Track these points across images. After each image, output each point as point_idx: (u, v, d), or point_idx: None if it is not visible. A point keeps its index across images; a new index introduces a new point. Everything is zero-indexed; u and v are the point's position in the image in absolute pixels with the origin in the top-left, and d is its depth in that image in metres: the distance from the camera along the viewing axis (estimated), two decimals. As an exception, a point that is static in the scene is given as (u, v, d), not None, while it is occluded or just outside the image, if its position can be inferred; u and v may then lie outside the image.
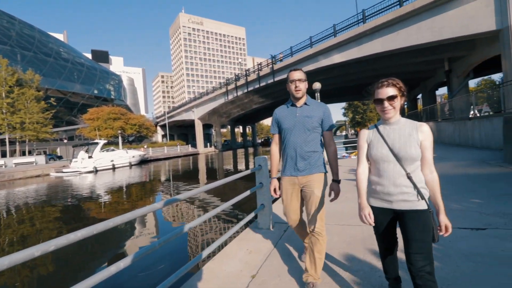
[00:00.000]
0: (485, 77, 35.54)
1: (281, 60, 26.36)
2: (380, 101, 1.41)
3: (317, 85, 10.97)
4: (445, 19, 13.07)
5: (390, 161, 1.40)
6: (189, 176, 18.57)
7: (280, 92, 32.26)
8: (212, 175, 17.98)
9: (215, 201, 9.28)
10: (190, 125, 56.61)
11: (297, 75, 1.96)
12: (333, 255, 2.43)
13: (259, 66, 30.15)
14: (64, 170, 22.37)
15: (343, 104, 65.55)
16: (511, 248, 2.28)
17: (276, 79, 27.67)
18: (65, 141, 35.65)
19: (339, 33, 19.00)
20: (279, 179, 2.13)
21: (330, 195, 1.96)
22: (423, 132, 1.37)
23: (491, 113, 11.91)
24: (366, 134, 1.55)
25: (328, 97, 32.83)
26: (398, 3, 15.01)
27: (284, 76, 23.70)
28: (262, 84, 30.28)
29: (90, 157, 23.47)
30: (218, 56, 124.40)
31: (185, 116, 52.28)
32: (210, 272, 2.32)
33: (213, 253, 2.73)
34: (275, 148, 2.14)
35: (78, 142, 36.07)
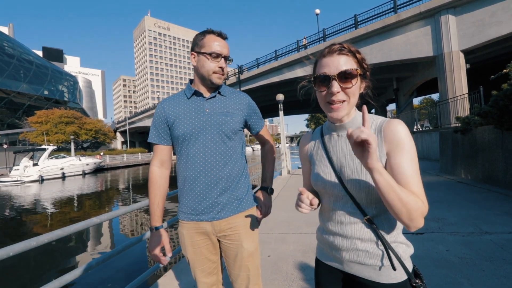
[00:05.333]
0: (427, 96, 40.11)
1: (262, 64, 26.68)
2: (325, 81, 0.77)
3: (280, 97, 11.38)
4: (393, 43, 14.64)
5: (338, 195, 0.81)
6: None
7: (246, 101, 32.64)
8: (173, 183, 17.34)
9: (175, 208, 8.99)
10: (153, 132, 54.07)
11: (225, 45, 1.18)
12: (288, 264, 2.51)
13: (226, 76, 30.32)
14: (2, 179, 19.80)
15: (306, 116, 68.53)
16: (443, 250, 2.59)
17: (242, 88, 27.94)
18: (5, 146, 31.51)
19: (302, 49, 20.08)
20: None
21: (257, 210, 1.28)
22: (389, 135, 0.74)
23: (430, 128, 13.47)
24: (306, 145, 0.97)
25: (292, 108, 34.06)
26: (353, 25, 16.45)
27: (251, 86, 24.16)
28: (229, 93, 30.36)
29: (35, 164, 21.12)
30: (185, 62, 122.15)
31: (148, 123, 49.98)
32: None
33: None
34: (157, 171, 1.22)
35: (22, 147, 32.20)
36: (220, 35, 1.18)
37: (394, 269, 0.73)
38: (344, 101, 0.77)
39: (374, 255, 0.77)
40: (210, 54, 1.15)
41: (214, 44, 1.15)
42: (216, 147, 1.17)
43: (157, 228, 1.18)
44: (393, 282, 0.75)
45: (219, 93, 1.24)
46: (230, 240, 1.19)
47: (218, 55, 1.16)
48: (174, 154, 1.29)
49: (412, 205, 0.65)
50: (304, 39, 20.03)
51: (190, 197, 1.18)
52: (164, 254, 1.16)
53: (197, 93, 1.21)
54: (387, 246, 0.74)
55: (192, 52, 1.20)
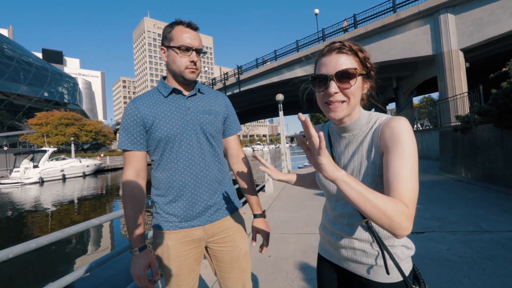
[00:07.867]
0: (426, 95, 40.15)
1: (265, 62, 26.53)
2: (322, 81, 0.73)
3: (280, 97, 11.36)
4: (392, 42, 14.64)
5: (339, 196, 0.81)
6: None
7: (246, 102, 32.68)
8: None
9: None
10: (153, 132, 54.01)
11: (196, 37, 1.09)
12: (288, 264, 2.51)
13: (226, 76, 30.31)
14: (2, 181, 19.79)
15: (306, 115, 68.53)
16: (443, 249, 2.59)
17: (242, 89, 28.07)
18: (6, 148, 31.50)
19: (302, 49, 20.09)
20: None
21: (254, 239, 1.19)
22: (387, 132, 0.68)
23: (430, 127, 13.46)
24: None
25: (292, 108, 34.04)
26: (353, 25, 16.45)
27: (250, 86, 24.13)
28: (228, 93, 30.42)
29: (35, 166, 21.11)
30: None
31: (147, 124, 49.95)
32: None
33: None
34: (133, 183, 1.06)
35: (22, 149, 32.22)
36: (190, 25, 1.09)
37: (387, 273, 0.72)
38: (343, 101, 0.73)
39: (371, 254, 0.77)
40: (179, 48, 1.06)
41: (183, 36, 1.06)
42: (203, 147, 1.12)
43: (141, 249, 1.02)
44: (389, 281, 0.74)
45: (199, 90, 1.17)
46: (223, 243, 1.14)
47: (188, 48, 1.06)
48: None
49: (391, 212, 0.57)
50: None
51: (178, 204, 1.08)
52: (151, 279, 1.05)
53: (176, 91, 1.12)
54: (383, 248, 0.73)
55: (162, 47, 1.12)
